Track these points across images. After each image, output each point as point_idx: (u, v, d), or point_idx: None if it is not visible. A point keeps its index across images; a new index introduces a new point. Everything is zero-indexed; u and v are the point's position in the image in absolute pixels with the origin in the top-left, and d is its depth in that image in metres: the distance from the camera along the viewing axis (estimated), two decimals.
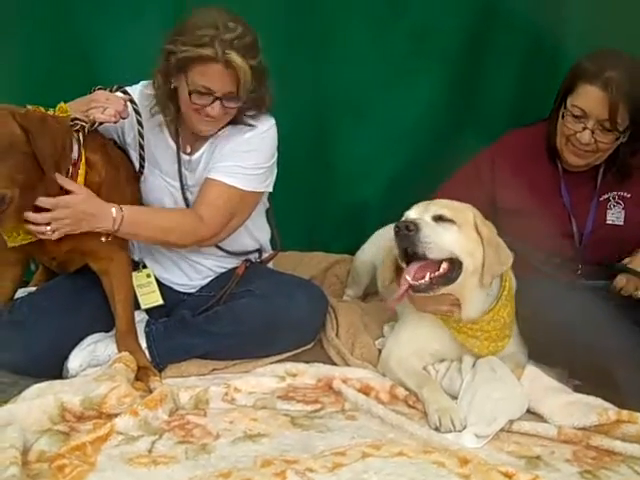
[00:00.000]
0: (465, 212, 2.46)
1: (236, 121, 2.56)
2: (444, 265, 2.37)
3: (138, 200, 2.68)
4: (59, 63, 3.05)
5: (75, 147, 2.34)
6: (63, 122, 2.34)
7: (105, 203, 2.41)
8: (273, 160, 2.65)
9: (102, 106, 2.45)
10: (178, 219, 2.59)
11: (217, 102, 2.43)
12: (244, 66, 2.37)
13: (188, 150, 2.63)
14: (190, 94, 2.43)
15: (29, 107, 2.32)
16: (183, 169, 2.63)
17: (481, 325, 2.47)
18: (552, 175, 2.70)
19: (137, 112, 2.57)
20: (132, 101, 2.56)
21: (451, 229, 2.40)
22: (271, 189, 2.71)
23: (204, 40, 2.35)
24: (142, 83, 2.66)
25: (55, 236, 2.34)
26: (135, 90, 2.64)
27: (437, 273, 2.37)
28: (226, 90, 2.42)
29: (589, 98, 2.49)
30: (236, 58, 2.36)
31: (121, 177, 2.55)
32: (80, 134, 2.37)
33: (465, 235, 2.41)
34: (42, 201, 2.31)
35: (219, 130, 2.58)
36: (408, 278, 2.35)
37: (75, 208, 2.35)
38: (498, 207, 2.70)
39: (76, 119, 2.40)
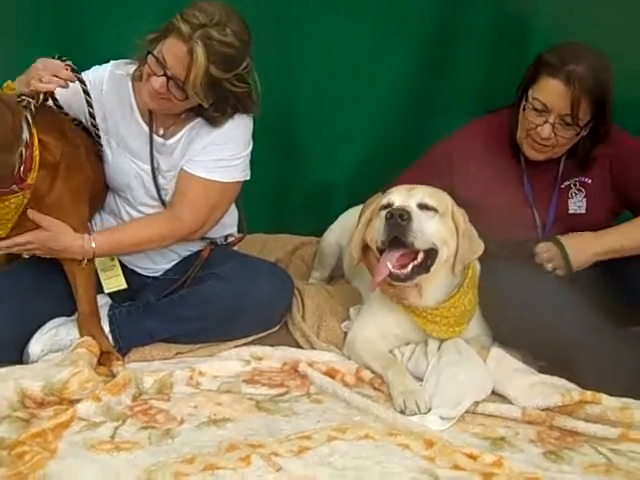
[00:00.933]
0: (445, 199, 2.46)
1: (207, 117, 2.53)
2: (421, 254, 2.37)
3: (101, 180, 2.63)
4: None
5: (25, 127, 2.24)
6: (10, 102, 2.24)
7: (74, 236, 2.40)
8: (249, 149, 2.62)
9: (39, 74, 2.33)
10: (154, 228, 2.56)
11: (163, 78, 2.36)
12: (202, 64, 2.30)
13: (161, 132, 2.58)
14: (148, 54, 2.38)
15: None
16: (155, 152, 2.58)
17: (441, 311, 2.47)
18: (514, 166, 2.67)
19: (86, 92, 2.51)
20: (81, 80, 2.47)
21: (434, 218, 2.39)
22: (249, 177, 2.67)
23: (193, 21, 2.30)
24: (112, 63, 2.60)
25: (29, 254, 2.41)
26: (104, 71, 2.58)
27: (416, 262, 2.36)
28: (176, 72, 2.35)
29: (551, 92, 2.46)
30: (200, 52, 2.29)
31: (81, 156, 2.48)
32: (28, 113, 2.26)
33: (444, 224, 2.41)
34: (10, 242, 2.33)
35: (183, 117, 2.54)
36: (389, 265, 2.34)
37: (44, 245, 2.37)
38: (458, 199, 2.62)
39: (22, 95, 2.30)
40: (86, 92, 2.51)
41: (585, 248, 2.55)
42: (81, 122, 2.58)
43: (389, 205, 2.42)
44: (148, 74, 2.40)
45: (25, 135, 2.23)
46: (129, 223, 2.64)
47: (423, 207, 2.39)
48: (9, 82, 2.32)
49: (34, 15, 3.06)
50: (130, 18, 3.04)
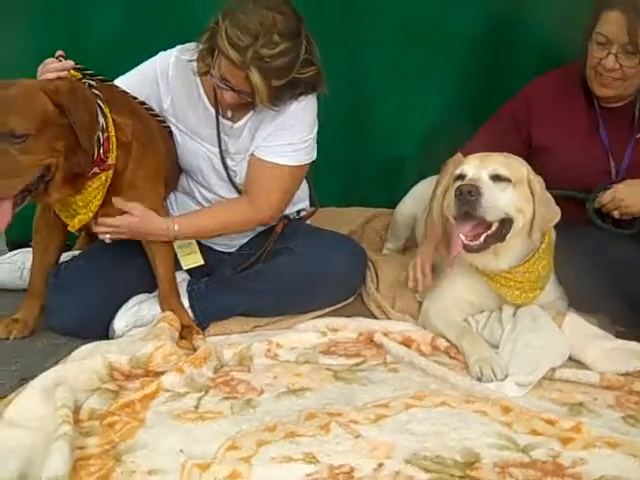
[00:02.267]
0: (520, 168, 2.44)
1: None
2: (496, 224, 2.36)
3: (173, 160, 2.69)
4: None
5: (99, 111, 2.33)
6: (86, 89, 2.33)
7: (159, 220, 2.48)
8: (316, 129, 2.65)
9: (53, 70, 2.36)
10: (232, 215, 2.62)
11: (231, 92, 2.42)
12: (262, 86, 2.34)
13: (229, 115, 2.62)
14: (212, 73, 2.43)
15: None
16: (222, 134, 2.63)
17: (515, 276, 2.46)
18: (589, 113, 2.69)
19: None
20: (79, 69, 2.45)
21: (507, 189, 2.37)
22: (315, 157, 2.70)
23: (238, 43, 2.30)
24: (177, 48, 2.64)
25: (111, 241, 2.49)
26: (169, 57, 2.63)
27: (489, 232, 2.35)
28: (243, 88, 2.40)
29: (610, 23, 2.50)
30: (255, 77, 2.32)
31: (153, 134, 2.54)
32: (98, 97, 2.34)
33: (519, 193, 2.39)
34: (101, 223, 2.43)
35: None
36: (462, 238, 2.34)
37: (130, 228, 2.45)
38: (534, 146, 2.69)
39: (86, 82, 2.37)
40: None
41: None
42: (151, 107, 2.63)
43: (462, 176, 2.41)
44: (216, 85, 2.45)
45: (101, 119, 2.31)
46: (208, 209, 2.69)
47: (496, 178, 2.37)
48: (72, 71, 2.37)
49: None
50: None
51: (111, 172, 2.36)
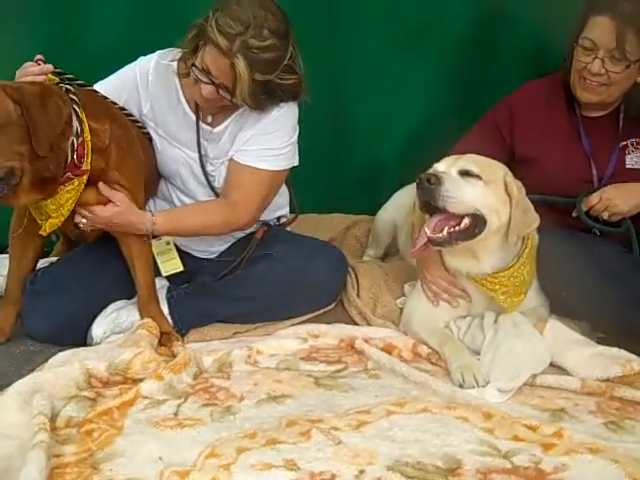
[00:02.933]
0: (495, 169, 2.43)
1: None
2: (466, 220, 2.34)
3: (153, 166, 2.67)
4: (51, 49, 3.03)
5: (74, 116, 2.29)
6: (60, 92, 2.29)
7: (140, 214, 2.46)
8: (296, 134, 2.64)
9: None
10: (211, 216, 2.60)
11: (211, 86, 2.40)
12: (245, 76, 2.33)
13: (209, 120, 2.61)
14: (193, 65, 2.41)
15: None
16: (202, 140, 2.62)
17: (500, 280, 2.45)
18: (571, 121, 2.70)
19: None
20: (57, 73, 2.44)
21: (476, 185, 2.36)
22: (297, 162, 2.69)
23: (228, 31, 2.31)
24: (157, 53, 2.64)
25: (87, 229, 2.46)
26: (150, 61, 2.62)
27: (457, 228, 2.34)
28: (223, 81, 2.38)
29: (598, 29, 2.51)
30: (241, 66, 2.32)
31: (132, 139, 2.52)
32: (74, 101, 2.31)
33: (492, 192, 2.38)
34: (82, 214, 2.40)
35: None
36: (427, 230, 2.33)
37: (109, 219, 2.42)
38: (517, 155, 2.71)
39: (60, 83, 2.34)
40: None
41: (635, 190, 2.57)
42: (131, 113, 2.61)
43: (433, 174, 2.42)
44: (195, 80, 2.43)
45: (75, 124, 2.28)
46: (188, 208, 2.68)
47: (464, 173, 2.37)
48: (50, 75, 2.35)
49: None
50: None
51: (85, 177, 2.33)
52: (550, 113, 2.72)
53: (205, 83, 2.41)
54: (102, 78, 2.61)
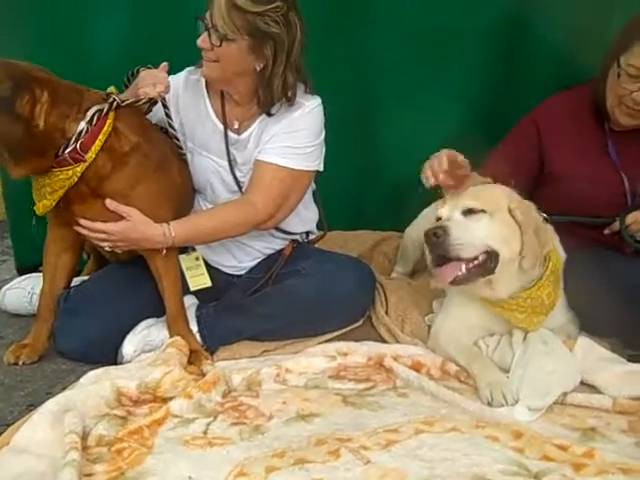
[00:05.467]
0: (497, 198, 2.42)
1: (273, 99, 2.55)
2: (480, 257, 2.35)
3: (189, 186, 2.71)
4: (52, 52, 3.04)
5: (94, 108, 2.36)
6: (78, 87, 2.39)
7: (154, 226, 2.45)
8: (322, 137, 2.65)
9: (152, 83, 2.47)
10: (229, 215, 2.60)
11: (205, 32, 2.44)
12: None
13: (236, 126, 2.65)
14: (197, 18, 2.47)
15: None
16: (231, 147, 2.65)
17: (517, 301, 2.44)
18: (599, 136, 2.67)
19: (165, 106, 2.60)
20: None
21: (482, 220, 2.36)
22: (322, 168, 2.70)
23: None
24: (187, 69, 2.70)
25: (112, 248, 2.50)
26: (180, 77, 2.68)
27: (473, 264, 2.35)
28: (213, 22, 2.43)
29: None
30: None
31: (166, 161, 2.56)
32: (108, 103, 2.38)
33: (499, 223, 2.37)
34: (90, 226, 2.42)
35: (267, 109, 2.57)
36: (447, 279, 2.35)
37: (124, 234, 2.43)
38: (546, 172, 2.68)
39: (110, 94, 2.43)
40: (165, 106, 2.60)
41: None
42: (166, 130, 2.66)
43: (439, 219, 2.43)
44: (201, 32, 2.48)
45: (90, 113, 2.34)
46: (204, 211, 2.70)
47: (468, 212, 2.36)
48: (113, 87, 2.47)
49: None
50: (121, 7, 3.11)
51: (79, 170, 2.35)
52: (577, 128, 2.69)
53: (203, 31, 2.45)
54: (103, 86, 2.63)
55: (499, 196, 2.44)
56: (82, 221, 2.43)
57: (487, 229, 2.36)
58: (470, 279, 2.36)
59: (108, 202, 2.41)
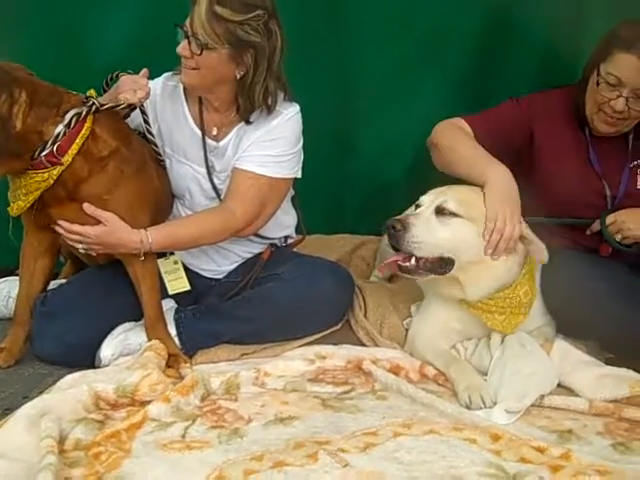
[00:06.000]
0: (478, 205, 2.41)
1: (253, 107, 2.55)
2: (431, 258, 2.38)
3: (166, 183, 2.70)
4: (52, 53, 3.06)
5: (72, 111, 2.34)
6: (57, 89, 2.37)
7: (132, 232, 2.43)
8: (299, 145, 2.66)
9: (132, 89, 2.46)
10: (208, 222, 2.59)
11: (185, 40, 2.44)
12: (205, 5, 2.37)
13: (214, 133, 2.64)
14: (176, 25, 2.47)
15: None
16: (209, 154, 2.65)
17: (496, 301, 2.45)
18: (581, 140, 2.68)
19: (143, 112, 2.60)
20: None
21: (451, 225, 2.37)
22: (300, 175, 2.71)
23: None
24: (164, 75, 2.69)
25: (87, 251, 2.48)
26: (157, 83, 2.67)
27: (423, 260, 2.37)
28: (193, 30, 2.42)
29: (625, 66, 2.47)
30: None
31: (145, 165, 2.55)
32: (87, 108, 2.37)
33: (471, 232, 2.38)
34: (67, 227, 2.40)
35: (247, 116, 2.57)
36: (399, 257, 2.38)
37: (101, 239, 2.42)
38: (533, 165, 2.68)
39: (89, 97, 2.41)
40: (143, 112, 2.60)
41: None
42: (145, 135, 2.65)
43: (418, 205, 2.44)
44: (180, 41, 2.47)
45: (69, 116, 2.33)
46: (183, 218, 2.70)
47: (441, 211, 2.38)
48: (92, 90, 2.45)
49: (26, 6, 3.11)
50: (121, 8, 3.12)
51: (55, 173, 2.34)
52: (563, 128, 2.69)
53: (182, 39, 2.44)
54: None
55: (478, 203, 2.42)
56: (60, 222, 2.41)
57: (451, 235, 2.37)
58: (418, 272, 2.38)
59: (85, 206, 2.39)
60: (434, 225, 2.36)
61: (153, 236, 2.46)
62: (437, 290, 2.52)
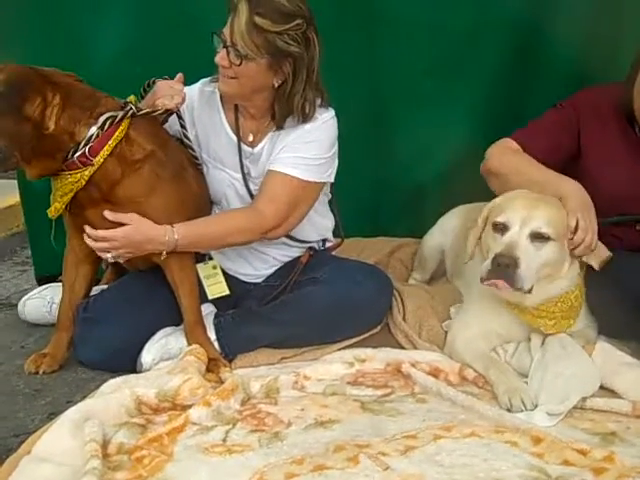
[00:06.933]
0: (563, 221, 2.38)
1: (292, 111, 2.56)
2: None
3: (204, 187, 2.71)
4: (50, 58, 3.06)
5: (106, 115, 2.38)
6: (96, 93, 2.42)
7: (157, 227, 2.44)
8: (333, 151, 2.65)
9: (169, 94, 2.50)
10: (235, 220, 2.61)
11: (224, 50, 2.44)
12: (244, 12, 2.37)
13: (250, 139, 2.66)
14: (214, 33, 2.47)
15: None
16: (245, 160, 2.66)
17: (547, 306, 2.44)
18: (631, 140, 2.63)
19: (180, 117, 2.61)
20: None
21: (546, 248, 2.35)
22: (332, 180, 2.71)
23: None
24: (201, 81, 2.71)
25: (119, 259, 2.50)
26: (194, 89, 2.69)
27: None
28: (231, 41, 2.42)
29: None
30: (243, 6, 2.38)
31: (182, 172, 2.57)
32: (124, 111, 2.40)
33: (558, 249, 2.37)
34: (92, 233, 2.42)
35: (277, 123, 2.59)
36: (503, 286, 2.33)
37: (127, 238, 2.43)
38: (580, 167, 2.63)
39: (128, 103, 2.46)
40: (180, 117, 2.62)
41: None
42: (182, 141, 2.67)
43: (503, 226, 2.37)
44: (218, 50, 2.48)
45: (103, 118, 2.37)
46: (211, 217, 2.70)
47: (536, 237, 2.34)
48: (132, 96, 2.50)
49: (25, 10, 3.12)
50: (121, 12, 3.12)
51: (87, 173, 2.38)
52: (610, 127, 2.64)
53: (220, 49, 2.45)
54: (115, 86, 2.64)
55: (564, 220, 2.39)
56: (86, 228, 2.43)
57: (546, 259, 2.36)
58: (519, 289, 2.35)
59: (107, 213, 2.41)
60: (533, 254, 2.33)
61: (179, 231, 2.46)
62: (489, 293, 2.48)
